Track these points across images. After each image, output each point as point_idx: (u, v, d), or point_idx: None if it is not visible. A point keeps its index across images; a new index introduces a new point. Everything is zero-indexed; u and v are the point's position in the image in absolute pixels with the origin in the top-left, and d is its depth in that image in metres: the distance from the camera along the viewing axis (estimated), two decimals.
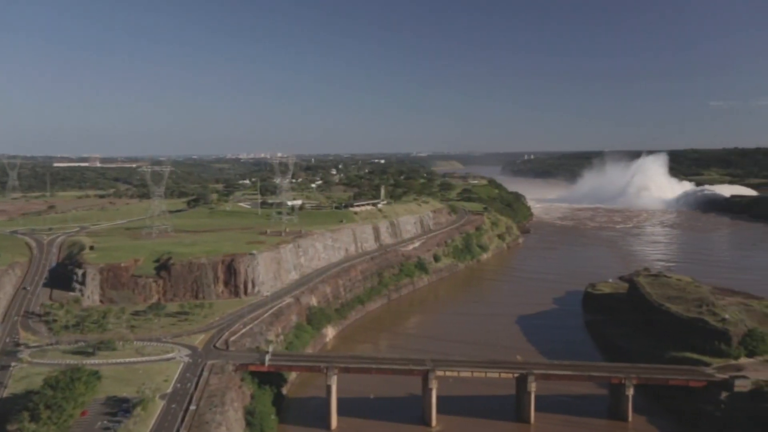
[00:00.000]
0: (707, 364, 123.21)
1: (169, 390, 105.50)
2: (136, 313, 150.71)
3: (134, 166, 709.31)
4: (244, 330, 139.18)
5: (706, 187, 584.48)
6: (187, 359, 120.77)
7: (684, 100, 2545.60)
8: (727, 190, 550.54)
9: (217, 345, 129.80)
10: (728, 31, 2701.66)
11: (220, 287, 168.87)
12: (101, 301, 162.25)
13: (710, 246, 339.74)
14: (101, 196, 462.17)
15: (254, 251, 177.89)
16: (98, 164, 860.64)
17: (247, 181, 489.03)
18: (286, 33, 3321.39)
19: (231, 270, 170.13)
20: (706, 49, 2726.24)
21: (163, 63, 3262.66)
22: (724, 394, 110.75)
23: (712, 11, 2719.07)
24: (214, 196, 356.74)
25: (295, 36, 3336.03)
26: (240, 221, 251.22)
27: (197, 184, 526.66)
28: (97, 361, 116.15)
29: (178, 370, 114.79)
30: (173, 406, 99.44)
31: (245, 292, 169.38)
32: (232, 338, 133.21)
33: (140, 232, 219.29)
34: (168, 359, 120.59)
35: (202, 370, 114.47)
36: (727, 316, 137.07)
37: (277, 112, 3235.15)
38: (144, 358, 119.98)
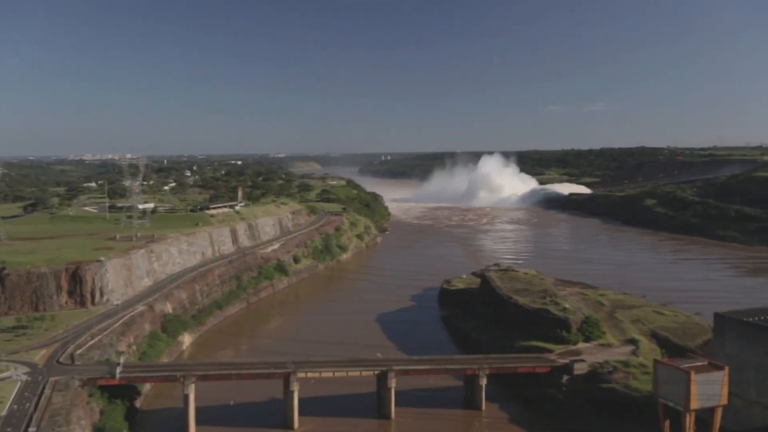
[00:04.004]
0: (551, 351, 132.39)
1: (4, 413, 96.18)
2: None
3: None
4: (91, 342, 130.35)
5: (548, 186, 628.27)
6: (25, 377, 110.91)
7: (527, 103, 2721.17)
8: (565, 189, 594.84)
9: (61, 360, 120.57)
10: (561, 38, 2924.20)
11: (64, 297, 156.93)
12: None
13: (552, 240, 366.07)
14: None
15: (102, 258, 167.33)
16: None
17: (93, 184, 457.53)
18: (125, 28, 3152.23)
19: (76, 279, 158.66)
20: (543, 54, 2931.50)
21: None
22: (565, 378, 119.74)
23: (543, 18, 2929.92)
24: (56, 200, 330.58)
25: (136, 31, 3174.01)
26: (86, 226, 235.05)
27: (35, 187, 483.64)
28: None
29: (15, 390, 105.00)
30: (8, 429, 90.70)
31: (93, 302, 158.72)
32: (78, 351, 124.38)
33: None
34: (2, 379, 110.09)
35: (44, 388, 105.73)
36: (567, 306, 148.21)
37: (125, 111, 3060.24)
38: None
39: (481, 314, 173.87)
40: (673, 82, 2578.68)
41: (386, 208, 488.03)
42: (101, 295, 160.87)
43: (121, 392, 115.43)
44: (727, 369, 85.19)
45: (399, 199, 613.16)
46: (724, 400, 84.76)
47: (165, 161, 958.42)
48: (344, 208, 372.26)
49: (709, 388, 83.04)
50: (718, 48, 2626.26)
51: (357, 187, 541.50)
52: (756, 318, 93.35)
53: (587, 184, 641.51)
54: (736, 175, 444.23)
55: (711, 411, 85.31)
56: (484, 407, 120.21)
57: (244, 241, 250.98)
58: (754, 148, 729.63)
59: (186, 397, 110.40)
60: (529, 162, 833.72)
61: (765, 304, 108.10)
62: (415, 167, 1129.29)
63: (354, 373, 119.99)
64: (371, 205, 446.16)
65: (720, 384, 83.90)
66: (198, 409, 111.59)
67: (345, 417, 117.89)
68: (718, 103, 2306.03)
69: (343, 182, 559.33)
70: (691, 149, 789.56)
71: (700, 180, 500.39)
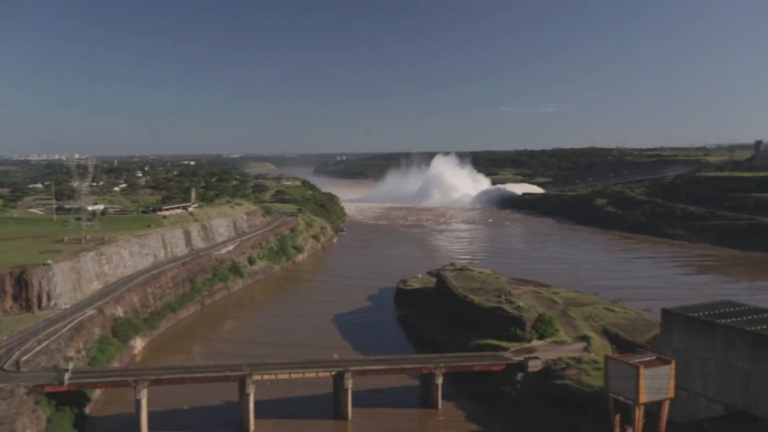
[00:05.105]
0: (506, 349, 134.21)
1: None
2: None
3: None
4: (38, 348, 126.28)
5: (502, 185, 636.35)
6: None
7: (481, 104, 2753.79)
8: (519, 189, 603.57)
9: (5, 367, 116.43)
10: (510, 38, 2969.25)
11: (9, 302, 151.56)
12: None
13: (506, 240, 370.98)
14: None
15: (50, 261, 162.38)
16: None
17: (39, 185, 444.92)
18: (76, 29, 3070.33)
19: (22, 283, 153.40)
20: (494, 54, 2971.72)
21: None
22: (519, 375, 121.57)
23: (490, 18, 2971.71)
24: None
25: (85, 33, 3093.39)
26: (32, 229, 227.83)
27: None
28: None
29: None
30: None
31: (39, 307, 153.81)
32: (24, 358, 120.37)
33: None
34: None
35: None
36: (521, 304, 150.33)
37: (73, 111, 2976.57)
38: None
39: (436, 313, 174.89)
40: (622, 85, 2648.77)
41: (342, 208, 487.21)
42: (48, 299, 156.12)
43: (70, 399, 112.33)
44: (674, 363, 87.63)
45: (355, 199, 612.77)
46: (671, 393, 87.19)
47: (115, 161, 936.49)
48: (300, 209, 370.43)
49: (657, 382, 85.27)
50: (663, 52, 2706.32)
51: (312, 187, 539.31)
52: (701, 313, 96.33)
53: (540, 184, 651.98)
54: (682, 175, 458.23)
55: (659, 404, 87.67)
56: (440, 406, 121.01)
57: (198, 242, 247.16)
58: (698, 148, 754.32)
59: (138, 403, 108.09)
60: (483, 162, 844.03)
61: (710, 300, 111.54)
62: (371, 167, 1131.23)
63: (310, 374, 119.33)
64: (327, 205, 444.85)
65: (667, 378, 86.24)
66: (151, 415, 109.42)
67: (301, 419, 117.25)
68: (665, 105, 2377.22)
69: (298, 183, 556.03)
70: (639, 150, 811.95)
71: (647, 180, 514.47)
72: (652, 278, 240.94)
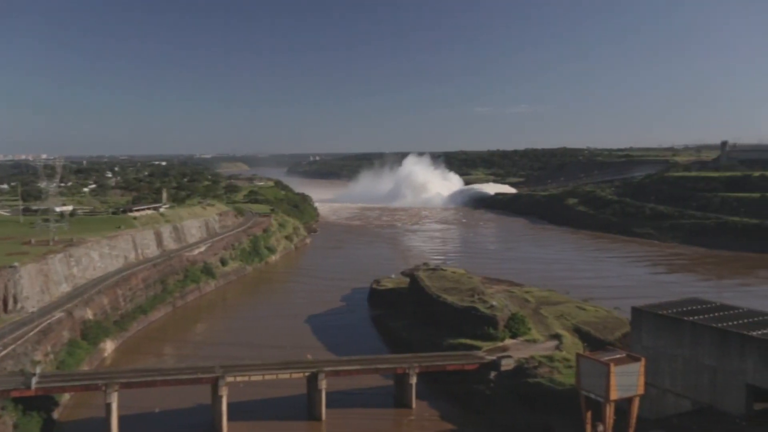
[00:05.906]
0: (479, 348, 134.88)
1: None
2: None
3: None
4: (4, 352, 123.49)
5: (475, 185, 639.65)
6: None
7: (454, 105, 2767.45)
8: (492, 189, 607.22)
9: None
10: (482, 38, 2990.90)
11: None
12: None
13: (479, 240, 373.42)
14: None
15: (16, 263, 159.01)
16: None
17: (5, 186, 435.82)
18: (43, 30, 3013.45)
19: None
20: (465, 57, 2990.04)
21: None
22: (492, 374, 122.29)
23: (462, 17, 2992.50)
24: None
25: (52, 32, 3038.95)
26: None
27: None
28: None
29: None
30: None
31: (5, 310, 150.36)
32: None
33: None
34: None
35: None
36: (494, 303, 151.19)
37: (40, 110, 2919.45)
38: None
39: (410, 313, 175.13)
40: (592, 86, 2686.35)
41: (315, 208, 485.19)
42: (15, 302, 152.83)
43: (38, 404, 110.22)
44: (643, 360, 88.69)
45: (328, 199, 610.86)
46: (641, 390, 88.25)
47: (84, 162, 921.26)
48: (272, 210, 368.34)
49: (627, 379, 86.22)
50: (631, 54, 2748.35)
51: (285, 187, 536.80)
52: (669, 311, 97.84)
53: (512, 184, 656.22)
54: (651, 175, 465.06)
55: (629, 401, 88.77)
56: (414, 405, 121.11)
57: (170, 243, 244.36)
58: (666, 149, 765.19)
59: (108, 406, 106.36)
60: (456, 162, 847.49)
61: (679, 298, 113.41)
62: (344, 168, 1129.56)
63: (284, 375, 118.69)
64: (300, 205, 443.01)
65: (637, 375, 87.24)
66: (121, 418, 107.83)
67: (275, 420, 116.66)
68: (634, 107, 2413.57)
69: (271, 183, 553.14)
70: (609, 150, 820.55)
71: (617, 179, 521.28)
72: (623, 277, 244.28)
